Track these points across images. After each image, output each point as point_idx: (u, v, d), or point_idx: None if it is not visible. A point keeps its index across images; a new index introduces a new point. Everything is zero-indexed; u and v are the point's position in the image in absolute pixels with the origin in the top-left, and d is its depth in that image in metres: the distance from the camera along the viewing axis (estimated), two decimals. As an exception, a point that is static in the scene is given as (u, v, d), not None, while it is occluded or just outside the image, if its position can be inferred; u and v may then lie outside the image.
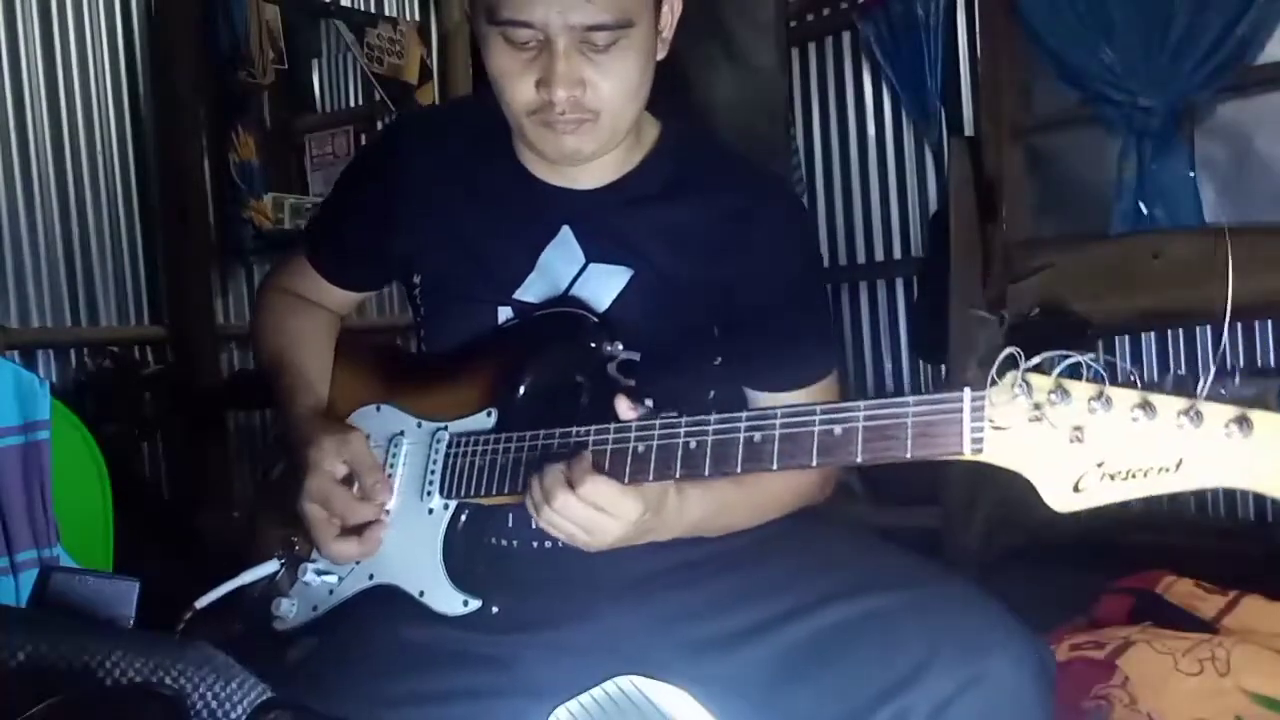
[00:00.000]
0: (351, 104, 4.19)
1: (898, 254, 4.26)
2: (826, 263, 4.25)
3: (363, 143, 4.05)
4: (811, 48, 4.45)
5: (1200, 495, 3.37)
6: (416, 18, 4.28)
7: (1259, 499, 3.24)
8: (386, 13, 4.19)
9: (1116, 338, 3.37)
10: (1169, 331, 3.31)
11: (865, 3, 4.14)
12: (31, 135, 3.22)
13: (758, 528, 1.18)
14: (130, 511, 1.54)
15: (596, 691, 1.08)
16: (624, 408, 1.04)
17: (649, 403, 1.18)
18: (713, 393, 1.27)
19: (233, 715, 0.81)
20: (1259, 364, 3.13)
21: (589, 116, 1.12)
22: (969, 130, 3.85)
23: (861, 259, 4.36)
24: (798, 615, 1.07)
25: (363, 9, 4.13)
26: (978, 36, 3.80)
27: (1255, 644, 1.70)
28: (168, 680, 0.81)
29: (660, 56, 1.18)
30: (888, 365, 4.26)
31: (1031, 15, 3.40)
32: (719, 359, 1.26)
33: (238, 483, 3.55)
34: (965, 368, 3.22)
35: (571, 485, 1.00)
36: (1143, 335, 3.36)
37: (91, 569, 1.34)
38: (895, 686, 0.98)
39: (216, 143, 3.60)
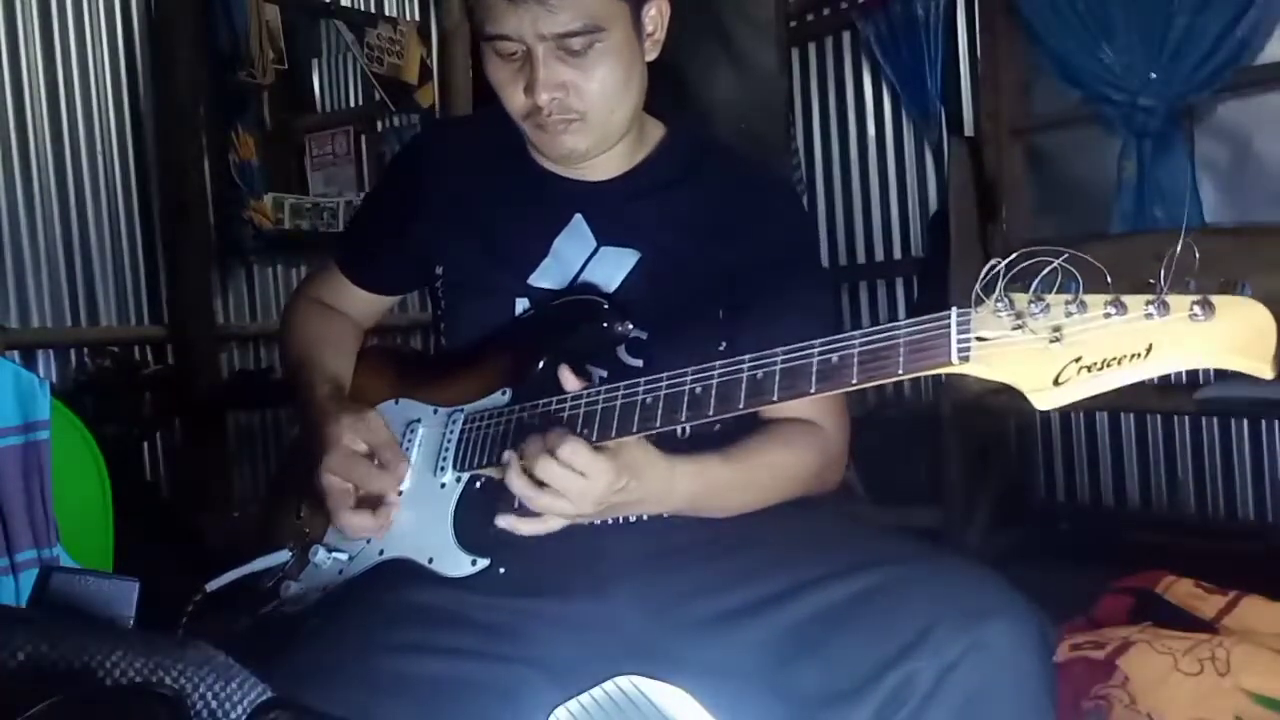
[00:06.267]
0: (351, 104, 4.19)
1: (898, 254, 4.26)
2: (826, 263, 4.25)
3: (362, 143, 4.06)
4: (811, 48, 4.45)
5: (1200, 495, 3.37)
6: (416, 18, 4.28)
7: (1259, 499, 3.25)
8: (386, 13, 4.20)
9: (1116, 338, 3.37)
10: (1169, 331, 3.31)
11: (865, 3, 4.13)
12: (31, 135, 3.23)
13: (760, 512, 1.21)
14: (130, 511, 1.54)
15: (596, 691, 1.08)
16: (569, 379, 1.11)
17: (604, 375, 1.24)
18: None
19: (233, 715, 0.81)
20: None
21: (575, 117, 1.20)
22: (969, 130, 3.85)
23: (861, 259, 4.36)
24: (802, 591, 1.09)
25: (363, 9, 4.13)
26: (978, 36, 3.80)
27: (1255, 644, 1.70)
28: (168, 680, 0.81)
29: (650, 58, 1.25)
30: (888, 365, 4.26)
31: (1031, 15, 3.41)
32: (724, 344, 1.29)
33: (238, 483, 3.56)
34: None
35: (551, 451, 1.03)
36: (1143, 335, 3.35)
37: (91, 569, 1.34)
38: (901, 652, 1.00)
39: (216, 143, 3.60)
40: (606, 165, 1.29)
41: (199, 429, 3.44)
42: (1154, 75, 3.14)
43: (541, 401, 1.13)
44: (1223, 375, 3.22)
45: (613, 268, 1.27)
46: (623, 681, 1.08)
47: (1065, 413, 3.41)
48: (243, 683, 0.83)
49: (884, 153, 4.28)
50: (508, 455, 1.08)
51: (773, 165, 3.12)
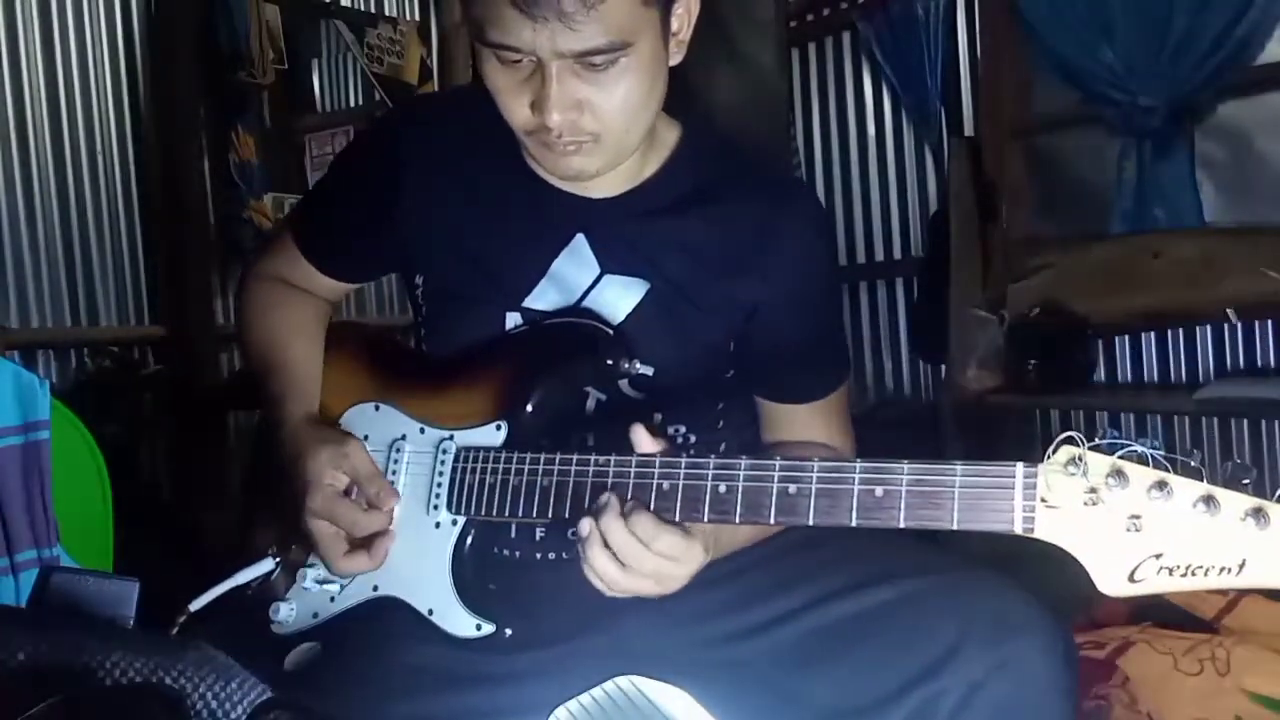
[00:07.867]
0: (351, 104, 4.19)
1: (898, 254, 4.26)
2: (826, 262, 4.24)
3: (363, 141, 4.04)
4: (811, 48, 4.45)
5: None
6: (416, 18, 4.28)
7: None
8: (386, 13, 4.19)
9: (1116, 338, 3.37)
10: (1169, 331, 3.31)
11: (865, 3, 4.13)
12: (31, 135, 3.22)
13: None
14: (130, 511, 1.53)
15: (596, 691, 1.08)
16: (644, 440, 1.01)
17: (674, 430, 1.17)
18: (721, 404, 1.26)
19: (233, 715, 0.81)
20: (1259, 364, 3.13)
21: (588, 138, 1.06)
22: (969, 130, 3.85)
23: (861, 259, 4.36)
24: (823, 602, 1.06)
25: (363, 9, 4.13)
26: (978, 36, 3.80)
27: (1255, 644, 1.70)
28: (168, 680, 0.81)
29: (675, 61, 1.11)
30: (888, 365, 4.26)
31: (1031, 15, 3.40)
32: (731, 372, 1.24)
33: (238, 483, 3.55)
34: (965, 367, 3.22)
35: (646, 543, 0.96)
36: (1143, 335, 3.36)
37: (91, 569, 1.34)
38: (927, 670, 0.98)
39: (216, 143, 3.60)
40: (613, 178, 1.16)
41: (199, 429, 3.44)
42: (1154, 75, 3.14)
43: (560, 457, 1.04)
44: (1223, 375, 3.21)
45: (618, 298, 1.16)
46: (622, 681, 1.08)
47: (1065, 413, 3.41)
48: (243, 683, 0.83)
49: (884, 153, 4.28)
50: (586, 527, 0.98)
51: (773, 165, 3.11)
